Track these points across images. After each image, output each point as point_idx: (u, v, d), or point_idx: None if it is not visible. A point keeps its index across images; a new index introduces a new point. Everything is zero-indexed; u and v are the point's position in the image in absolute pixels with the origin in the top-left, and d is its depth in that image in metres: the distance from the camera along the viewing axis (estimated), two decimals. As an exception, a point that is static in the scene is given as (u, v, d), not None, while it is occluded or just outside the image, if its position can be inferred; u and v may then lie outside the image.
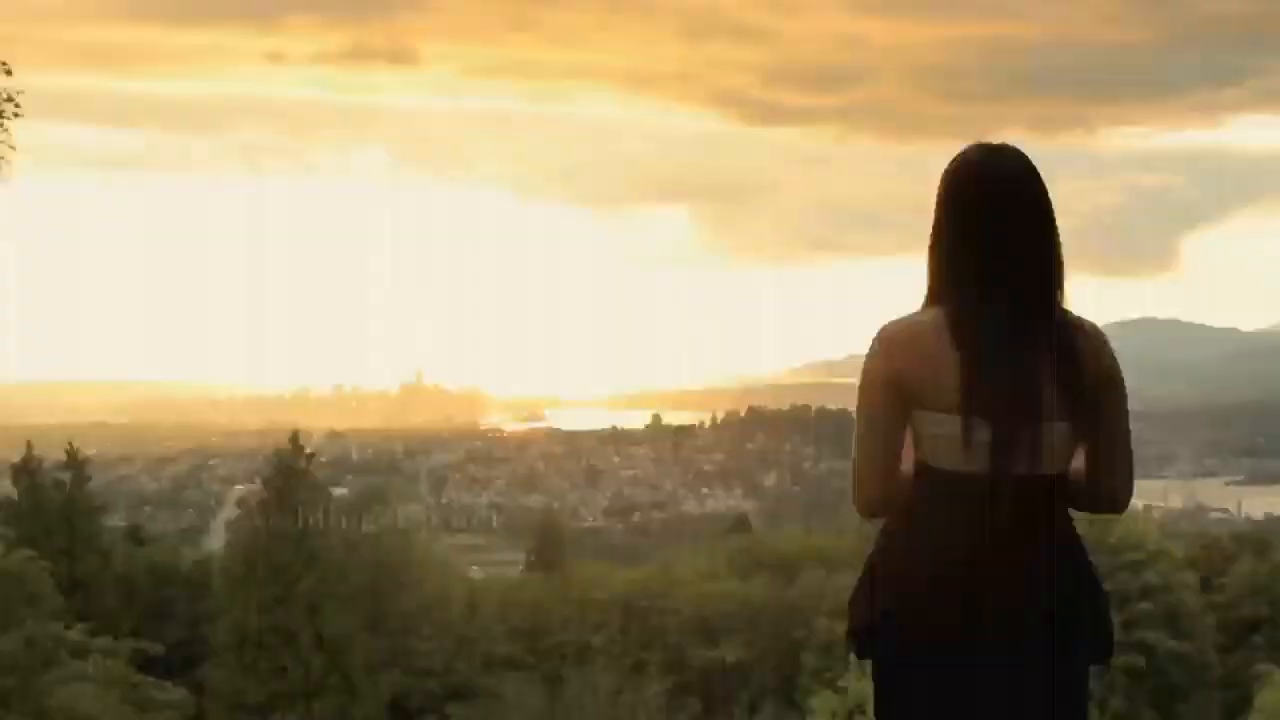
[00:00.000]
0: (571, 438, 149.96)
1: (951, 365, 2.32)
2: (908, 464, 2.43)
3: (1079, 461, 2.46)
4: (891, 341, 2.37)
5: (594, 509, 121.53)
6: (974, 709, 2.36)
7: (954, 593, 2.33)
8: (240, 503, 48.54)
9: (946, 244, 2.41)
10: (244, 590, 30.19)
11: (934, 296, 2.42)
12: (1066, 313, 2.40)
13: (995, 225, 2.36)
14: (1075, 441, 2.41)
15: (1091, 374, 2.37)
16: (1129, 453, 2.48)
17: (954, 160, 2.43)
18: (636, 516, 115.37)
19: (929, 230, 2.47)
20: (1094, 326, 2.42)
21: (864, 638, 2.46)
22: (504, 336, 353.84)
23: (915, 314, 2.41)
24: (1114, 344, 2.45)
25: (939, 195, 2.43)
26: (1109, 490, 2.48)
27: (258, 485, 38.37)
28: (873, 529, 2.56)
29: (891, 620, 2.39)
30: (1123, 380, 2.44)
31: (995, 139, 2.45)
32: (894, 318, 2.41)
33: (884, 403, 2.37)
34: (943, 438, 2.34)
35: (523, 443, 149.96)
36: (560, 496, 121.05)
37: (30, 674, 14.04)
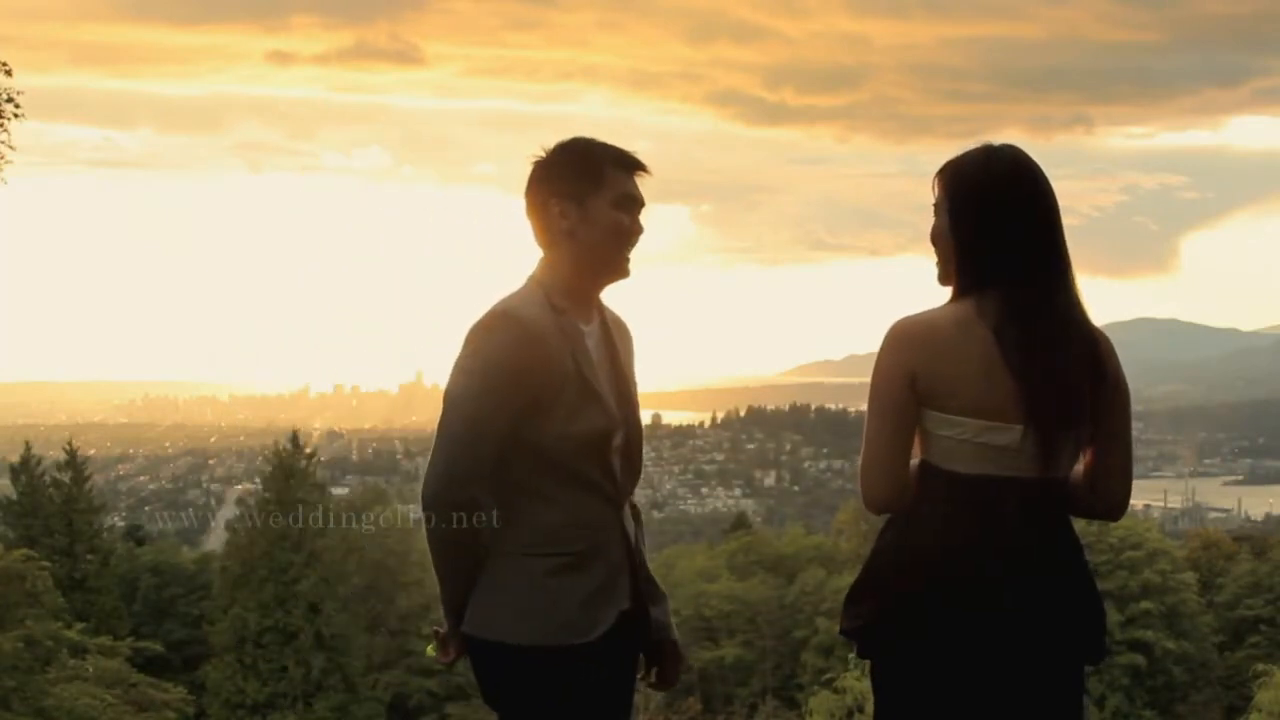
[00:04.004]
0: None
1: (963, 365, 2.31)
2: (916, 462, 2.42)
3: (1078, 466, 2.45)
4: (904, 338, 2.35)
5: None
6: (972, 709, 2.36)
7: (955, 594, 2.33)
8: (240, 502, 48.50)
9: (951, 243, 2.39)
10: (244, 590, 30.19)
11: (955, 292, 2.39)
12: (1075, 315, 2.37)
13: (999, 223, 2.34)
14: (1079, 446, 2.40)
15: (1099, 379, 2.36)
16: (1129, 460, 2.47)
17: (956, 160, 2.40)
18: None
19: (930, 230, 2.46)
20: (1100, 332, 2.41)
21: (863, 637, 2.45)
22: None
23: (928, 311, 2.38)
24: (1113, 344, 2.44)
25: (942, 195, 2.40)
26: (1108, 496, 2.47)
27: (258, 485, 38.34)
28: (872, 528, 2.56)
29: (891, 620, 2.38)
30: (1128, 387, 2.44)
31: (995, 139, 2.43)
32: (905, 314, 2.37)
33: (894, 400, 2.35)
34: (951, 438, 2.34)
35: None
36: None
37: (29, 674, 14.01)
